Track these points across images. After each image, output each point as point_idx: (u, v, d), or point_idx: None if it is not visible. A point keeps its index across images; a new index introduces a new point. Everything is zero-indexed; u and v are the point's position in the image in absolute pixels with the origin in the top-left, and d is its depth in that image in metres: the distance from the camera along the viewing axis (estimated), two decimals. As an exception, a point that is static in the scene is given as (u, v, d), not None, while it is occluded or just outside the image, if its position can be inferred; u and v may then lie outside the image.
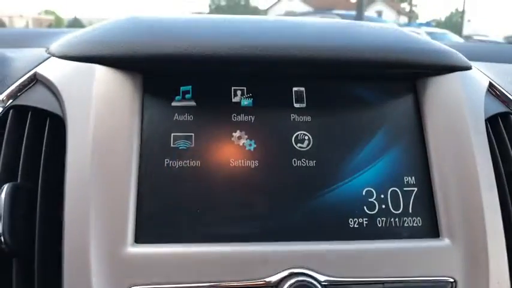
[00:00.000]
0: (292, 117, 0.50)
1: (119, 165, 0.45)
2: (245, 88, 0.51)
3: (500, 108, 0.57)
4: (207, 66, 0.50)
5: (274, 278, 0.43)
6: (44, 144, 0.47)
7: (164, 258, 0.43)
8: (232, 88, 0.51)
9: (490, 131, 0.53)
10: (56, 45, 0.54)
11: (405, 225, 0.48)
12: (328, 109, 0.51)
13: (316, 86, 0.52)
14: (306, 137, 0.50)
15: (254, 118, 0.50)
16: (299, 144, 0.49)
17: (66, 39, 0.54)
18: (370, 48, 0.51)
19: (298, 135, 0.50)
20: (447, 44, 0.64)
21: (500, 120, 0.56)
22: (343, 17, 8.56)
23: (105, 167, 0.44)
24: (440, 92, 0.52)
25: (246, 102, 0.50)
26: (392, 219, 0.48)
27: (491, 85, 0.58)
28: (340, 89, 0.52)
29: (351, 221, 0.47)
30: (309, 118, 0.50)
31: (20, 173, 0.46)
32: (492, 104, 0.56)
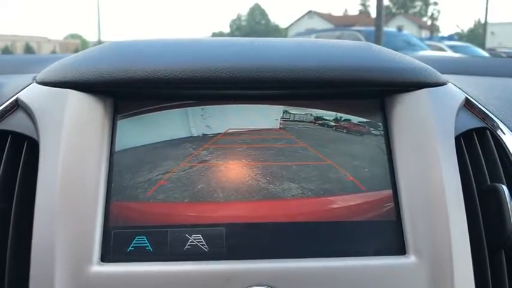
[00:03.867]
0: (263, 137, 0.51)
1: (87, 186, 0.47)
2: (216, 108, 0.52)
3: (475, 123, 0.56)
4: (171, 89, 0.51)
5: None
6: (20, 167, 0.49)
7: (129, 276, 0.44)
8: (202, 108, 0.52)
9: (464, 147, 0.53)
10: (41, 72, 0.57)
11: (371, 243, 0.48)
12: (299, 128, 0.52)
13: (284, 106, 0.53)
14: (278, 157, 0.50)
15: (224, 136, 0.51)
16: (270, 164, 0.50)
17: (51, 65, 0.57)
18: (336, 68, 0.51)
19: (269, 154, 0.50)
20: (430, 57, 0.64)
21: (476, 135, 0.55)
22: (362, 33, 8.56)
23: (73, 188, 0.46)
24: (408, 109, 0.52)
25: (217, 121, 0.52)
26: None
27: (467, 101, 0.58)
28: (309, 109, 0.53)
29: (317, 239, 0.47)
30: (281, 136, 0.51)
31: None
32: (467, 120, 0.56)
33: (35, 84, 0.55)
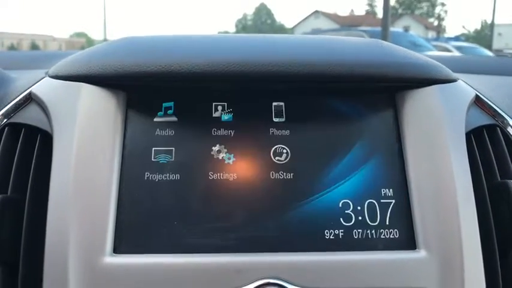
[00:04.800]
0: (271, 131, 0.51)
1: (100, 178, 0.47)
2: (226, 103, 0.52)
3: (486, 120, 0.56)
4: (187, 83, 0.52)
5: None
6: (33, 159, 0.50)
7: (141, 268, 0.44)
8: (213, 104, 0.52)
9: (474, 144, 0.53)
10: (53, 67, 0.57)
11: (381, 237, 0.48)
12: (307, 123, 0.52)
13: (295, 100, 0.53)
14: (285, 151, 0.51)
15: (234, 132, 0.51)
16: (277, 158, 0.50)
17: (63, 60, 0.57)
18: (347, 63, 0.52)
19: (276, 148, 0.51)
20: (439, 56, 0.64)
21: (486, 132, 0.55)
22: (369, 33, 8.56)
23: (86, 180, 0.46)
24: (419, 105, 0.52)
25: (226, 117, 0.52)
26: (368, 231, 0.48)
27: (477, 98, 0.58)
28: (319, 103, 0.53)
29: (327, 233, 0.47)
30: (287, 132, 0.52)
31: (10, 185, 0.49)
32: (477, 117, 0.56)
33: (47, 78, 0.55)
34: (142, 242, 0.46)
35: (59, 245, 0.44)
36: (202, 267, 0.44)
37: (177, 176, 0.49)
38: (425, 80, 0.53)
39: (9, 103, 0.55)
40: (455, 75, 0.57)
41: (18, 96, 0.56)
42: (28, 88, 0.56)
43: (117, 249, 0.45)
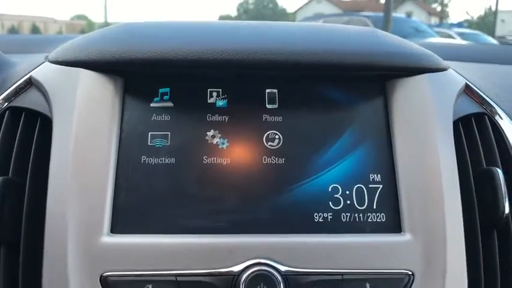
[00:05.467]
0: (264, 118, 0.53)
1: (98, 161, 0.49)
2: (220, 90, 0.54)
3: (474, 109, 0.58)
4: (183, 69, 0.53)
5: (236, 268, 0.45)
6: (34, 142, 0.51)
7: (137, 247, 0.46)
8: (208, 90, 0.54)
9: (462, 131, 0.55)
10: (53, 51, 0.59)
11: (369, 220, 0.50)
12: (299, 110, 0.54)
13: (287, 87, 0.54)
14: (277, 136, 0.52)
15: (228, 118, 0.53)
16: (270, 143, 0.52)
17: (63, 45, 0.59)
18: (338, 52, 0.53)
19: (269, 134, 0.52)
20: (433, 44, 0.65)
21: (474, 120, 0.57)
22: (371, 18, 8.48)
23: (85, 163, 0.48)
24: (408, 93, 0.53)
25: (220, 103, 0.54)
26: (356, 215, 0.50)
27: (467, 86, 0.59)
28: (311, 91, 0.54)
29: (316, 216, 0.49)
30: (280, 118, 0.53)
31: (11, 168, 0.51)
32: (466, 105, 0.58)
33: (47, 63, 0.57)
34: (139, 223, 0.48)
35: (58, 226, 0.46)
36: (196, 247, 0.46)
37: (173, 160, 0.51)
38: (415, 69, 0.54)
39: (9, 87, 0.57)
40: (446, 63, 0.58)
41: (19, 80, 0.57)
42: (28, 73, 0.57)
43: (114, 229, 0.47)
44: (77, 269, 0.45)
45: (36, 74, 0.56)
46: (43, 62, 0.58)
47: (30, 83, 0.56)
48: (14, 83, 0.57)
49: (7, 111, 0.54)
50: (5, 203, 0.48)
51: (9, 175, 0.50)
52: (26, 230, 0.48)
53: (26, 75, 0.57)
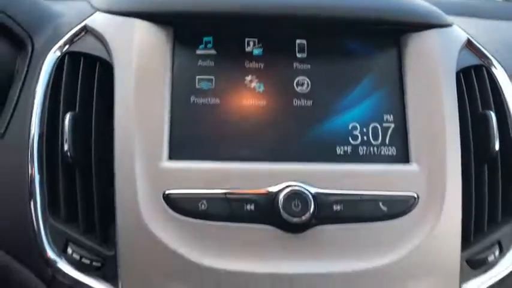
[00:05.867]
0: (294, 65, 0.61)
1: (155, 101, 0.57)
2: (256, 39, 0.62)
3: (474, 61, 0.66)
4: (224, 20, 0.61)
5: (275, 188, 0.55)
6: (95, 83, 0.59)
7: (192, 171, 0.55)
8: (246, 39, 0.62)
9: (463, 81, 0.64)
10: (102, 1, 0.65)
11: (382, 153, 0.59)
12: (325, 59, 0.62)
13: (315, 39, 0.62)
14: (305, 82, 0.61)
15: (263, 65, 0.61)
16: (299, 87, 0.61)
17: None
18: (359, 7, 0.62)
19: (299, 80, 0.61)
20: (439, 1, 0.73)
21: (473, 72, 0.66)
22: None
23: (144, 101, 0.57)
24: (419, 47, 0.62)
25: (257, 51, 0.62)
26: (371, 148, 0.59)
27: (469, 41, 0.68)
28: (335, 42, 0.63)
29: (338, 149, 0.59)
30: (308, 66, 0.61)
31: (77, 105, 0.59)
32: (467, 58, 0.66)
33: (99, 13, 0.64)
34: (192, 151, 0.57)
35: (125, 152, 0.55)
36: (242, 171, 0.56)
37: (217, 100, 0.59)
38: (425, 24, 0.63)
39: (64, 35, 0.64)
40: (450, 20, 0.66)
41: (73, 28, 0.64)
42: (81, 21, 0.64)
43: (172, 156, 0.56)
44: (144, 188, 0.54)
45: (91, 22, 0.63)
46: (94, 12, 0.65)
47: (85, 31, 0.63)
48: (68, 31, 0.64)
49: (66, 56, 0.62)
50: (76, 133, 0.56)
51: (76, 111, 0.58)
52: (96, 155, 0.57)
53: (79, 23, 0.64)
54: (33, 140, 0.57)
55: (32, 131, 0.58)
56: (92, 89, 0.59)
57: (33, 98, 0.59)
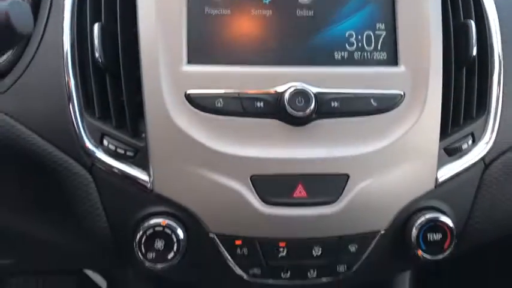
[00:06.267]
0: None
1: (174, 11, 0.64)
2: None
3: None
4: None
5: (281, 88, 0.63)
6: None
7: (209, 73, 0.64)
8: None
9: None
10: None
11: (374, 57, 0.67)
12: None
13: None
14: None
15: None
16: None
17: None
18: None
19: None
20: None
21: None
22: None
23: (164, 12, 0.64)
24: None
25: None
26: (365, 53, 0.67)
27: None
28: None
29: (336, 53, 0.67)
30: None
31: (103, 17, 0.66)
32: None
33: None
34: (208, 56, 0.65)
35: (151, 58, 0.63)
36: (252, 74, 0.64)
37: (229, 11, 0.66)
38: None
39: None
40: None
41: None
42: None
43: (190, 61, 0.64)
44: (168, 88, 0.62)
45: None
46: None
47: None
48: None
49: None
50: (105, 42, 0.64)
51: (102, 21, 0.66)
52: (124, 61, 0.65)
53: None
54: (66, 49, 0.65)
55: (65, 41, 0.65)
56: (116, 1, 0.66)
57: (63, 10, 0.66)
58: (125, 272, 0.99)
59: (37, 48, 0.67)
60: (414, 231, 0.65)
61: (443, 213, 0.67)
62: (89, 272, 1.26)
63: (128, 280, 0.97)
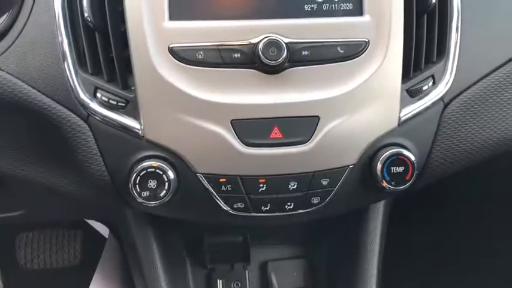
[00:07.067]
0: None
1: None
2: None
3: None
4: None
5: (255, 40, 0.69)
6: None
7: (189, 28, 0.70)
8: None
9: None
10: None
11: (341, 8, 0.72)
12: None
13: None
14: None
15: None
16: None
17: None
18: None
19: None
20: None
21: None
22: None
23: None
24: None
25: None
26: (333, 5, 0.72)
27: None
28: None
29: (306, 6, 0.72)
30: None
31: None
32: None
33: None
34: (188, 12, 0.70)
35: (135, 14, 0.68)
36: (229, 27, 0.70)
37: None
38: None
39: None
40: None
41: None
42: None
43: (172, 17, 0.70)
44: (152, 43, 0.69)
45: None
46: None
47: None
48: None
49: None
50: (93, 2, 0.70)
51: None
52: (111, 21, 0.70)
53: None
54: (57, 11, 0.71)
55: (55, 3, 0.71)
56: None
57: None
58: (125, 220, 1.08)
59: (30, 11, 0.73)
60: (379, 165, 0.73)
61: (406, 148, 0.75)
62: (93, 223, 1.36)
63: (128, 225, 1.05)
